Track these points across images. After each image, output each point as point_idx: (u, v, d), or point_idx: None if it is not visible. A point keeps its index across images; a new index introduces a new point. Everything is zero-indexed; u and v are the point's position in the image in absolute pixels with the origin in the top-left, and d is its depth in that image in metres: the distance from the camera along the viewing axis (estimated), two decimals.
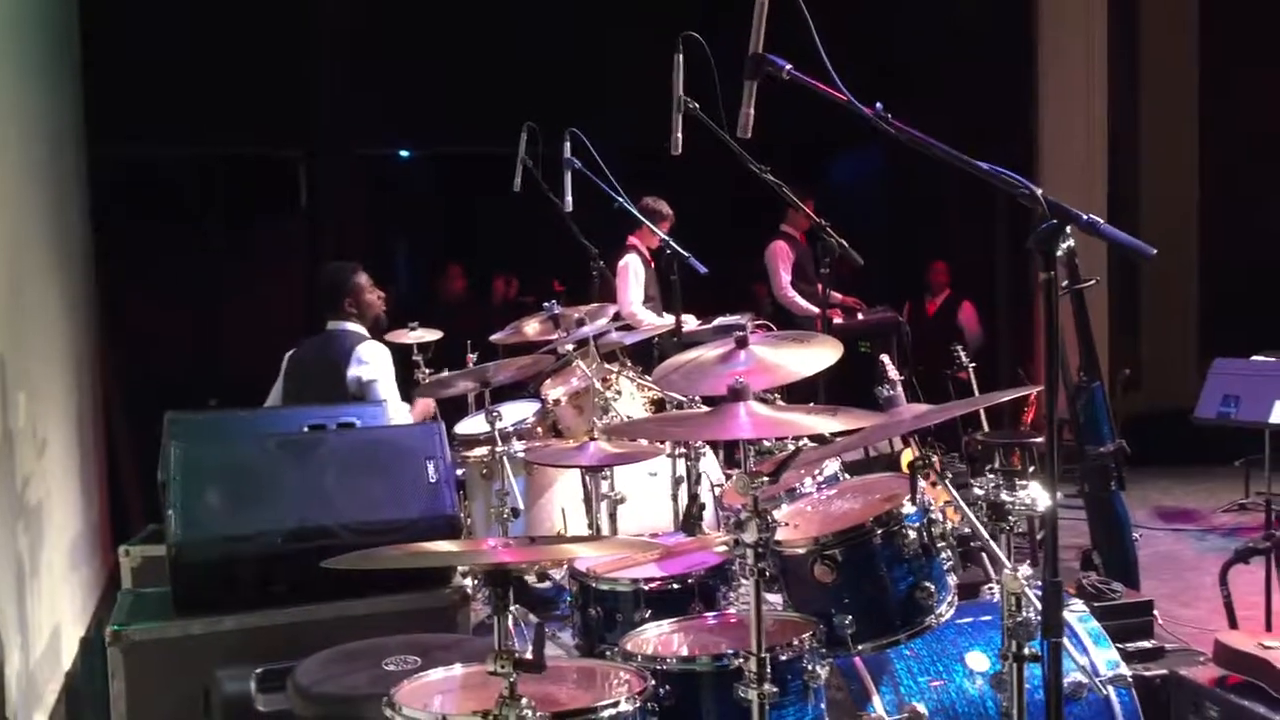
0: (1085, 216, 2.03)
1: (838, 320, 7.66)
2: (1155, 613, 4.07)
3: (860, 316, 7.87)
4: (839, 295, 7.99)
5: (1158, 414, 8.06)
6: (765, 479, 2.32)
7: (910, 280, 9.46)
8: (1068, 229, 2.06)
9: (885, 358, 5.36)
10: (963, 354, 6.92)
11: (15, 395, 4.00)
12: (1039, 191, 2.06)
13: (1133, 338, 9.55)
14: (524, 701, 2.04)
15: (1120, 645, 3.23)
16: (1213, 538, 6.55)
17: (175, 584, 3.28)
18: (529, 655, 2.02)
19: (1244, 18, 9.10)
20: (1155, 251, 2.04)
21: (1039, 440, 6.20)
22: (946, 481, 2.61)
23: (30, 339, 4.51)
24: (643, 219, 5.38)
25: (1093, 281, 4.69)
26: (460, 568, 3.68)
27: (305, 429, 3.79)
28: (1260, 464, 4.99)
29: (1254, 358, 5.28)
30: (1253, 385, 4.95)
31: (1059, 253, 2.05)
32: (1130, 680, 2.87)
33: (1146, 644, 3.89)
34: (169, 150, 8.59)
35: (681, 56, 3.60)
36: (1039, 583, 2.22)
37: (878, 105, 2.28)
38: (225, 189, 9.18)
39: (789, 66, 2.37)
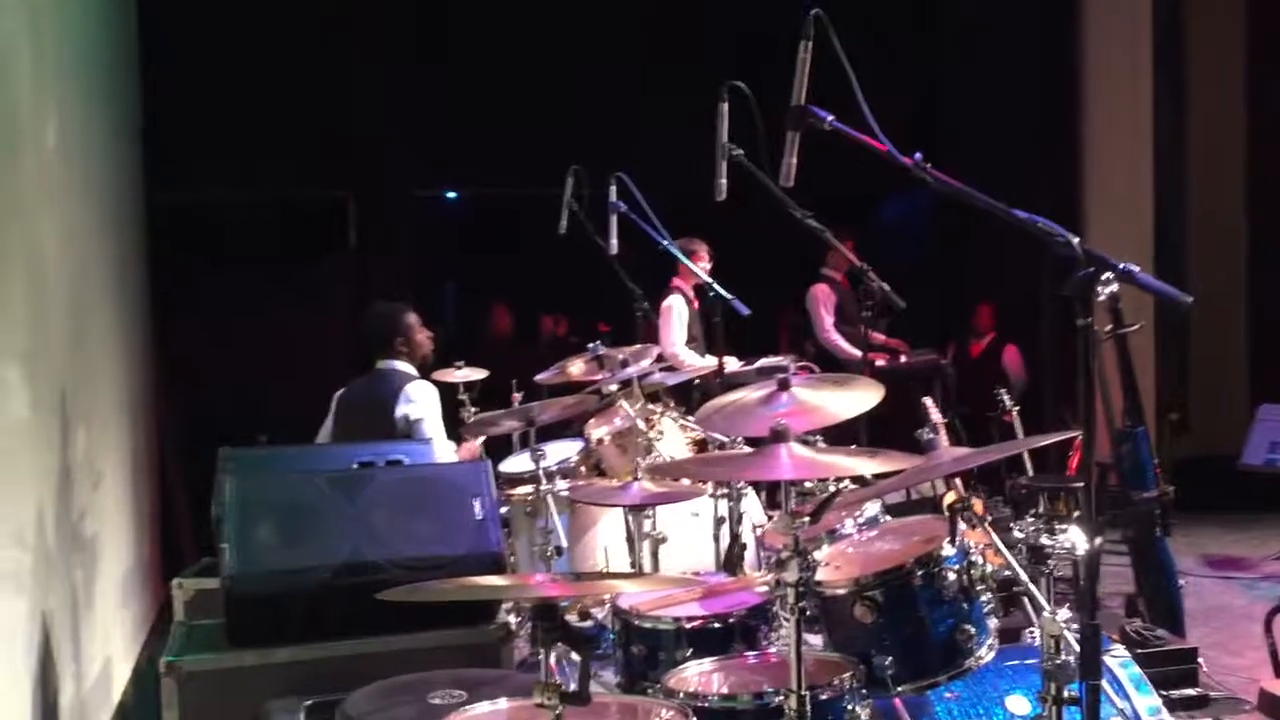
0: (1121, 265, 2.06)
1: (880, 363, 7.67)
2: (1200, 660, 4.04)
3: (904, 359, 7.87)
4: (882, 337, 8.00)
5: (1207, 459, 7.97)
6: (806, 519, 2.36)
7: (955, 322, 9.45)
8: (1105, 276, 2.10)
9: (928, 400, 5.39)
10: (1007, 397, 6.90)
11: (75, 430, 4.12)
12: (1075, 240, 2.10)
13: (1182, 382, 9.46)
14: None
15: (1164, 693, 3.22)
16: (1263, 586, 6.46)
17: (229, 616, 3.34)
18: (574, 689, 2.06)
19: None
20: (1191, 300, 2.07)
21: (1084, 485, 6.17)
22: (986, 524, 2.63)
23: (90, 374, 4.64)
24: (683, 258, 5.46)
25: (1136, 326, 4.69)
26: (504, 604, 3.73)
27: (355, 465, 3.88)
28: None
29: None
30: None
31: (1101, 298, 2.09)
32: None
33: (1191, 691, 3.86)
34: (223, 193, 8.81)
35: (726, 105, 3.68)
36: (1079, 626, 2.24)
37: (917, 155, 2.34)
38: (277, 230, 9.38)
39: (831, 118, 2.43)
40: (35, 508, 3.39)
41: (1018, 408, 6.87)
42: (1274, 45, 9.26)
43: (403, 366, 4.97)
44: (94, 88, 5.26)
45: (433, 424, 4.83)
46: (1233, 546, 7.38)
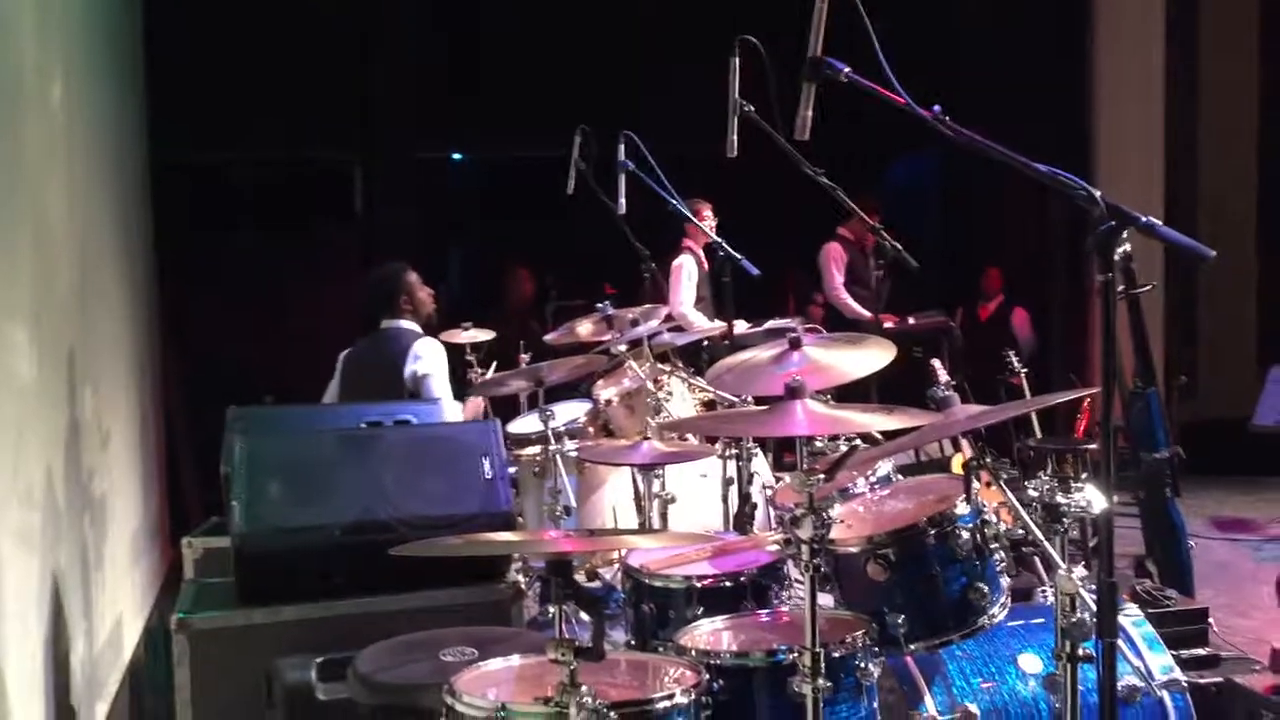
0: (1144, 218, 2.03)
1: (888, 324, 7.64)
2: (1210, 620, 4.04)
3: (911, 321, 7.85)
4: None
5: (1214, 422, 7.95)
6: (821, 476, 2.34)
7: (963, 285, 9.42)
8: (1125, 232, 2.07)
9: (936, 362, 5.37)
10: (1015, 360, 6.87)
11: (82, 389, 4.11)
12: (1097, 193, 2.07)
13: (1189, 345, 9.43)
14: (584, 689, 2.08)
15: (1175, 652, 3.22)
16: (1270, 547, 6.46)
17: (239, 574, 3.35)
18: (588, 645, 2.06)
19: None
20: (1214, 254, 2.04)
21: (1092, 447, 6.15)
22: (1001, 482, 2.62)
23: (97, 335, 4.62)
24: (691, 218, 5.44)
25: (1149, 286, 4.63)
26: (514, 564, 3.73)
27: (363, 425, 3.87)
28: None
29: None
30: None
31: (1116, 256, 2.06)
32: (1185, 685, 2.86)
33: (1201, 651, 3.86)
34: (230, 155, 8.76)
35: (737, 60, 3.63)
36: (1093, 584, 2.23)
37: (936, 108, 2.30)
38: (283, 193, 9.33)
39: (847, 69, 2.39)
40: (44, 467, 3.39)
41: (1026, 370, 6.86)
42: None
43: (408, 325, 4.97)
44: (100, 47, 5.21)
45: (439, 381, 4.83)
46: (1240, 509, 7.38)
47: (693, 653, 2.61)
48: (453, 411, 4.84)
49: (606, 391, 5.29)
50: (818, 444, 3.77)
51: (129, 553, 5.06)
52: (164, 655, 3.50)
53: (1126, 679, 2.75)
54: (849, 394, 3.90)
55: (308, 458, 3.51)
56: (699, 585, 3.04)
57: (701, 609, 2.99)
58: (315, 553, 3.36)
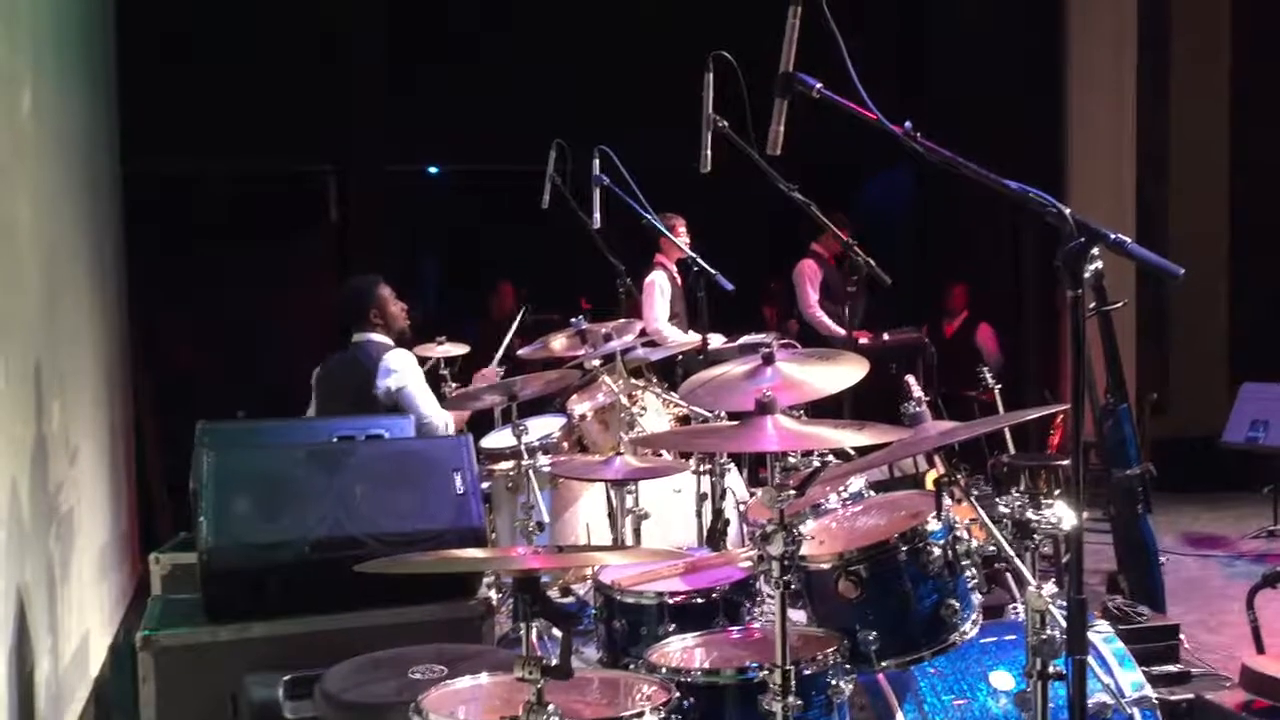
0: (1113, 235, 2.03)
1: (863, 340, 7.66)
2: (1181, 637, 4.05)
3: (886, 337, 7.87)
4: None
5: (1186, 438, 7.99)
6: (792, 492, 2.33)
7: (928, 303, 9.46)
8: (1096, 249, 2.07)
9: (910, 378, 5.38)
10: (988, 376, 6.89)
11: (50, 402, 4.06)
12: (1067, 210, 2.07)
13: (1161, 361, 9.49)
14: (550, 708, 2.05)
15: (1146, 669, 3.23)
16: (1241, 564, 6.49)
17: (206, 590, 3.31)
18: (556, 663, 2.04)
19: (1277, 38, 9.07)
20: (1183, 271, 2.05)
21: (1065, 463, 6.18)
22: (972, 499, 2.62)
23: (65, 348, 4.57)
24: (666, 232, 5.44)
25: (1121, 303, 4.69)
26: (485, 580, 3.70)
27: (334, 440, 3.84)
28: None
29: None
30: None
31: (1087, 273, 2.06)
32: (1155, 702, 2.86)
33: (1172, 668, 3.88)
34: (204, 166, 8.71)
35: (712, 75, 3.63)
36: (1063, 601, 2.23)
37: (906, 124, 2.30)
38: (255, 205, 9.28)
39: (819, 85, 2.40)
40: (9, 481, 3.34)
41: (998, 386, 6.88)
42: (1259, 24, 9.26)
43: (379, 338, 4.94)
44: (70, 56, 5.16)
45: (418, 388, 4.80)
46: (1211, 525, 7.41)
47: (664, 670, 2.60)
48: (442, 418, 4.80)
49: (580, 406, 5.28)
50: (791, 460, 3.77)
51: (97, 568, 5.00)
52: (130, 672, 3.45)
53: (1097, 696, 2.75)
54: (823, 410, 3.90)
55: (277, 472, 3.48)
56: (671, 602, 3.03)
57: (673, 625, 2.98)
58: (283, 568, 3.32)
